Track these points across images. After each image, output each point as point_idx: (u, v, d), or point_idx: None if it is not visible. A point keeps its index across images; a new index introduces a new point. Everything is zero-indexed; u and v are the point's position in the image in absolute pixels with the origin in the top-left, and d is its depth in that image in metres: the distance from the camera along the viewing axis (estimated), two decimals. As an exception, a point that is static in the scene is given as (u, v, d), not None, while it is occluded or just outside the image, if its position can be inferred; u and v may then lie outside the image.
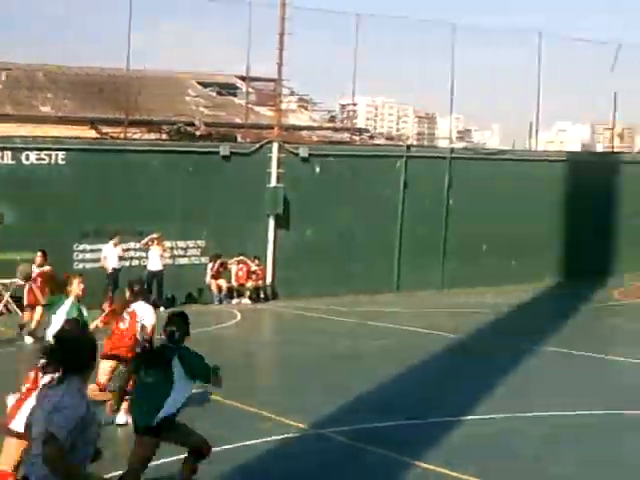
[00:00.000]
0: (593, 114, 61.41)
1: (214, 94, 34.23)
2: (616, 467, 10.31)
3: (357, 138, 33.67)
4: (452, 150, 31.34)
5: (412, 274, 28.32)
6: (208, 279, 25.36)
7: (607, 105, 35.05)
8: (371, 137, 36.84)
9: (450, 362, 17.18)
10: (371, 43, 32.42)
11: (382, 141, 36.90)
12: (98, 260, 23.57)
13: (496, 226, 29.74)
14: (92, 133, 27.96)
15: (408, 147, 31.04)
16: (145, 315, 11.63)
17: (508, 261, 29.93)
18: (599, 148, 66.60)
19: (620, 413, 12.65)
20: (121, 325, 11.77)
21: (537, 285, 28.54)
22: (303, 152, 27.34)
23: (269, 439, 10.94)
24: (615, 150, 38.91)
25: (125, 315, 11.79)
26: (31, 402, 6.80)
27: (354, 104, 42.53)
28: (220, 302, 25.27)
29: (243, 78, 31.88)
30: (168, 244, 24.77)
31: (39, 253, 19.77)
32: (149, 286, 22.16)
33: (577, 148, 63.45)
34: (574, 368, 16.54)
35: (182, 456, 8.78)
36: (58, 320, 10.79)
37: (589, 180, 32.25)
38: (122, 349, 11.58)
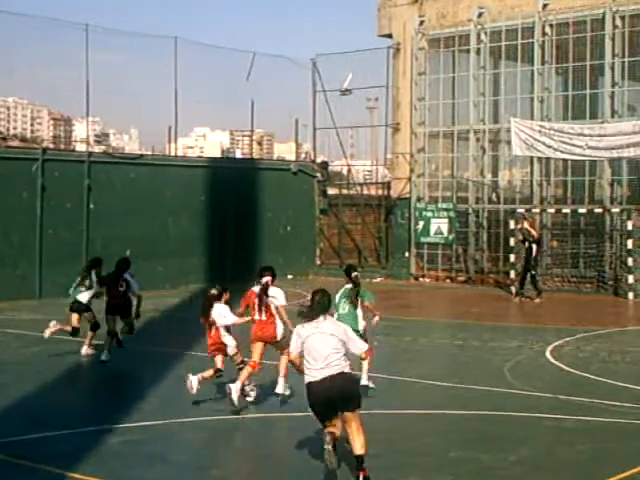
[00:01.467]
0: (232, 121, 62.59)
1: None
2: (271, 463, 10.46)
3: (-11, 139, 31.91)
4: (90, 154, 30.69)
5: (55, 280, 27.33)
6: None
7: (245, 112, 35.79)
8: (4, 139, 35.15)
9: (100, 370, 16.62)
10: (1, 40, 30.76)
11: (16, 143, 35.27)
12: None
13: (140, 230, 29.58)
14: None
15: (44, 150, 29.85)
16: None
17: (153, 266, 29.68)
18: (239, 154, 68.33)
19: (276, 415, 12.75)
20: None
21: (183, 290, 28.60)
22: None
23: None
24: (254, 157, 39.90)
25: None
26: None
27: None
28: None
29: None
30: None
31: None
32: None
33: (217, 154, 64.53)
34: (225, 371, 16.54)
35: None
36: None
37: (231, 185, 32.90)
38: None
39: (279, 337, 13.11)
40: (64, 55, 33.90)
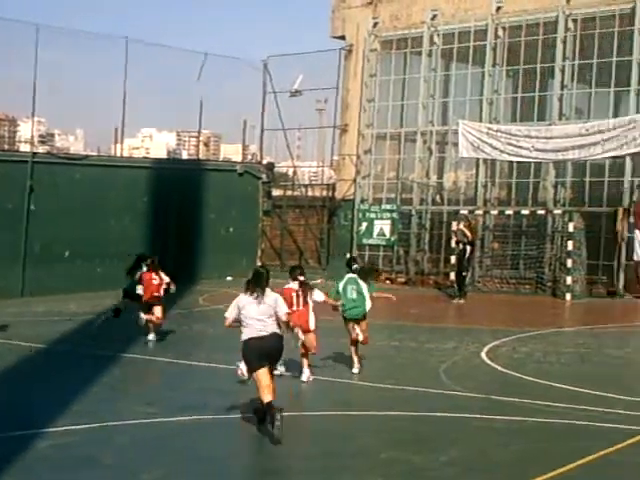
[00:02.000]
0: (180, 122, 62.38)
1: None
2: (204, 466, 10.33)
3: None
4: (34, 154, 30.36)
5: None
6: None
7: (193, 113, 35.59)
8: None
9: (32, 372, 16.44)
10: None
11: (-42, 143, 34.77)
12: None
13: (82, 231, 29.40)
14: None
15: (-13, 151, 29.57)
16: None
17: (93, 267, 29.45)
18: (185, 155, 67.97)
19: (208, 417, 12.64)
20: None
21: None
22: None
23: None
24: (201, 158, 39.74)
25: None
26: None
27: None
28: None
29: None
30: None
31: None
32: None
33: (163, 155, 64.01)
34: (159, 374, 16.55)
35: None
36: None
37: (175, 186, 32.73)
38: None
39: (312, 327, 15.01)
40: (9, 54, 33.47)
